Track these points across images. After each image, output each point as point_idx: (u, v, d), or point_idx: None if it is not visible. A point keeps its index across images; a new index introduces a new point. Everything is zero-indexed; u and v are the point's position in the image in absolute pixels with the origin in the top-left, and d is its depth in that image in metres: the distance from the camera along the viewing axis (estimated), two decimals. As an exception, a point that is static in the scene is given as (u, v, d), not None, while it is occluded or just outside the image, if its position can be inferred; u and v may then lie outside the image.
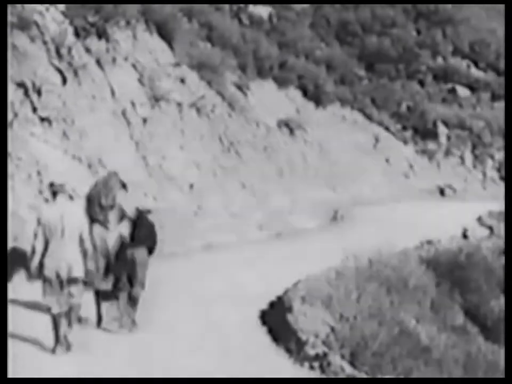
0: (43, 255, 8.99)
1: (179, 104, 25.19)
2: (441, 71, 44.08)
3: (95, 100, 21.18)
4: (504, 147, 33.01)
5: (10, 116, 17.27)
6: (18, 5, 19.56)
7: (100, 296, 10.48)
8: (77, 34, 21.99)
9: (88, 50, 22.12)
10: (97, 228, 10.22)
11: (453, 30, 46.56)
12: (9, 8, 16.79)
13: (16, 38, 18.96)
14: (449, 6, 47.57)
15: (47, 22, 20.84)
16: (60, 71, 20.22)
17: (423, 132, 39.90)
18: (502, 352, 11.84)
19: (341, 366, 9.74)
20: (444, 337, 12.64)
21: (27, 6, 20.03)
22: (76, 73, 20.84)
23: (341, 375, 9.55)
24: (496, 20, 45.73)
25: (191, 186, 22.41)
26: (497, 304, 14.91)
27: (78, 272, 9.14)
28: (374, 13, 45.52)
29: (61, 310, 9.18)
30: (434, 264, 16.49)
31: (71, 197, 9.83)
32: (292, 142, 31.82)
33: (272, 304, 13.00)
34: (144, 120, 22.81)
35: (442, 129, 40.62)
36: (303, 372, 9.72)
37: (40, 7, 20.79)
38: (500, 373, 10.93)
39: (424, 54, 44.32)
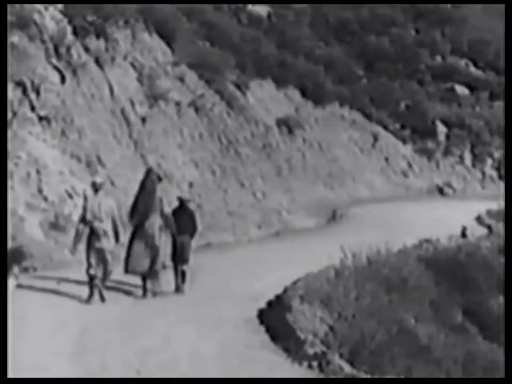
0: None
1: (178, 103, 25.19)
2: (440, 70, 44.04)
3: (94, 99, 21.18)
4: (503, 146, 33.04)
5: (9, 115, 17.26)
6: (17, 4, 19.54)
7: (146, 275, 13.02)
8: (75, 33, 21.98)
9: (87, 49, 22.12)
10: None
11: (451, 29, 46.54)
12: (8, 7, 16.76)
13: (15, 37, 18.93)
14: (448, 5, 47.56)
15: (46, 21, 20.83)
16: (59, 70, 20.21)
17: (422, 131, 39.84)
18: (501, 351, 11.83)
19: (339, 365, 9.73)
20: (443, 336, 12.65)
21: (26, 5, 20.01)
22: (74, 72, 20.84)
23: (340, 375, 9.54)
24: (495, 19, 45.71)
25: (190, 185, 22.42)
26: (497, 303, 14.90)
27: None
28: (373, 12, 45.47)
29: (97, 272, 12.24)
30: (433, 263, 16.48)
31: None
32: (291, 141, 31.80)
33: (270, 303, 12.99)
34: (143, 119, 22.81)
35: (441, 128, 40.60)
36: (301, 371, 9.71)
37: (39, 6, 20.77)
38: (499, 372, 10.91)
39: (423, 53, 44.29)
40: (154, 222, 12.89)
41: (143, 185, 13.09)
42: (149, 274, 13.00)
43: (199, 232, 15.21)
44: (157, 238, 12.90)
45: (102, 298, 12.46)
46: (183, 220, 13.37)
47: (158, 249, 12.91)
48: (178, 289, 13.58)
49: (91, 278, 12.31)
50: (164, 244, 13.10)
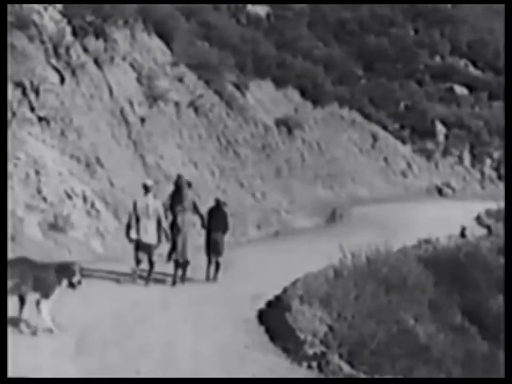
0: (136, 229, 13.63)
1: (177, 104, 25.18)
2: (440, 70, 44.10)
3: (93, 99, 21.16)
4: (502, 146, 33.07)
5: (8, 115, 17.23)
6: (17, 4, 19.52)
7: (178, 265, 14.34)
8: (74, 33, 21.96)
9: (86, 49, 22.10)
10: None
11: (451, 29, 46.60)
12: (8, 7, 16.72)
13: (14, 38, 18.91)
14: (448, 5, 47.61)
15: (45, 22, 20.81)
16: (58, 71, 20.19)
17: (421, 131, 39.89)
18: (500, 350, 11.83)
19: (339, 365, 9.71)
20: (443, 336, 12.65)
21: (25, 5, 19.98)
22: (73, 72, 20.82)
23: (339, 375, 9.51)
24: (494, 19, 45.74)
25: (189, 185, 22.37)
26: (496, 303, 14.91)
27: (154, 240, 13.82)
28: (373, 12, 45.53)
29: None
30: (432, 263, 16.49)
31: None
32: (290, 141, 31.81)
33: (270, 303, 12.99)
34: (142, 120, 22.79)
35: (440, 128, 40.63)
36: (301, 371, 9.69)
37: (38, 6, 20.75)
38: (498, 372, 10.91)
39: (422, 53, 44.35)
40: (185, 218, 14.34)
41: (176, 188, 14.70)
42: (186, 264, 14.33)
43: (198, 232, 15.36)
44: (188, 232, 14.38)
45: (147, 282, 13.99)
46: (218, 219, 14.92)
47: (187, 241, 14.34)
48: (208, 278, 14.89)
49: (152, 265, 13.89)
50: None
